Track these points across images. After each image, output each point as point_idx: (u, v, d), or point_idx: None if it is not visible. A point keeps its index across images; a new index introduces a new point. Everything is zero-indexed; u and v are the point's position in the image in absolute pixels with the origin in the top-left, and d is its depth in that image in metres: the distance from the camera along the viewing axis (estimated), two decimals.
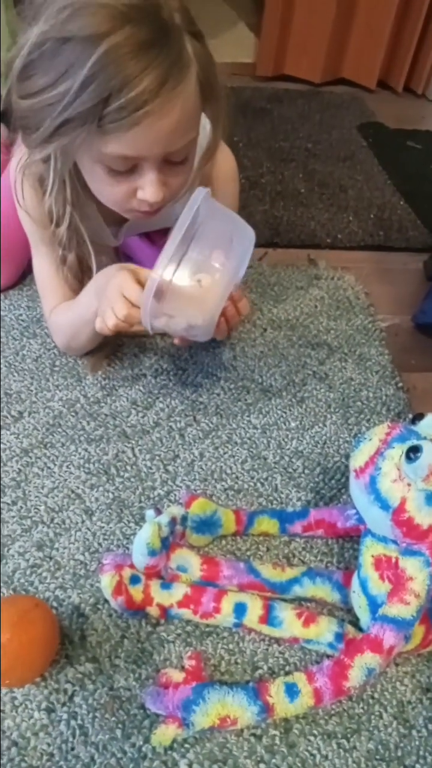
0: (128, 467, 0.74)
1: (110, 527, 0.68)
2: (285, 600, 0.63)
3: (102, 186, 0.66)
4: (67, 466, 0.73)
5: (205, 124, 0.69)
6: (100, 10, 0.54)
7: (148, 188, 0.63)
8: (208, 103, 0.64)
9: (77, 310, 0.76)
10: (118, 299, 0.66)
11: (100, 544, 0.66)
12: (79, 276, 0.78)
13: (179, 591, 0.60)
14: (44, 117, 0.58)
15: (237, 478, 0.74)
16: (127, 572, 0.60)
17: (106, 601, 0.61)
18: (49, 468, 0.73)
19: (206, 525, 0.66)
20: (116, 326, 0.67)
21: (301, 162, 1.37)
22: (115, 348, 0.87)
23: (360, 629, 0.61)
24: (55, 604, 0.61)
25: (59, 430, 0.77)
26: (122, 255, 0.88)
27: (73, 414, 0.79)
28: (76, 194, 0.70)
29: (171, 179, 0.65)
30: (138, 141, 0.59)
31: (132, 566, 0.61)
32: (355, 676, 0.55)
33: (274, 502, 0.73)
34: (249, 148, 1.38)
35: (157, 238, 0.90)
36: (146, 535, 0.59)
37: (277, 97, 1.62)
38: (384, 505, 0.56)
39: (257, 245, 1.10)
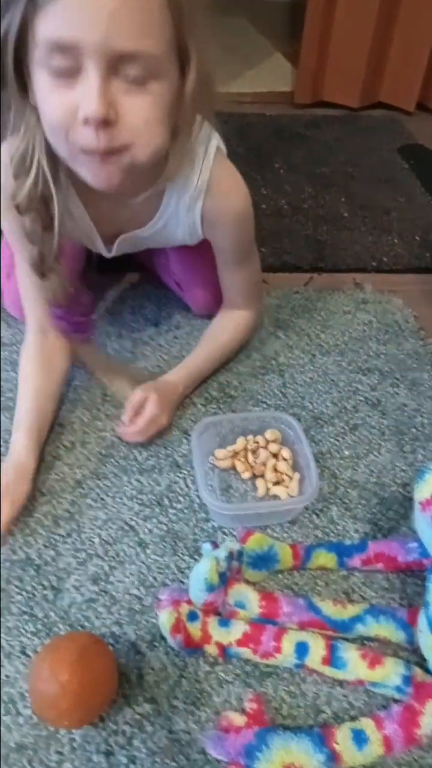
0: (181, 498, 0.73)
1: (164, 560, 0.67)
2: (347, 639, 0.60)
3: (45, 100, 0.57)
4: (120, 498, 0.73)
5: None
6: None
7: (87, 96, 0.54)
8: (182, 26, 0.57)
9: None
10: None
11: (155, 578, 0.65)
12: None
13: (238, 629, 0.59)
14: None
15: None
16: (184, 608, 0.58)
17: (162, 638, 0.60)
18: (102, 499, 0.73)
19: (263, 560, 0.64)
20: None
21: (342, 186, 1.36)
22: None
23: (428, 671, 0.58)
24: (111, 640, 0.60)
25: (111, 460, 0.77)
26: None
27: (124, 444, 0.79)
28: (54, 177, 0.65)
29: (123, 102, 0.56)
30: (71, 15, 0.52)
31: (189, 602, 0.60)
32: (427, 723, 0.52)
33: (331, 534, 0.71)
34: (289, 173, 1.38)
35: (157, 252, 0.92)
36: (204, 570, 0.57)
37: (314, 123, 1.62)
38: None
39: (302, 269, 1.11)
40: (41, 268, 0.70)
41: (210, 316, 0.92)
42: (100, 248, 0.81)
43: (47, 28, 0.53)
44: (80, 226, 0.75)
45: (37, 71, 0.56)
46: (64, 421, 0.81)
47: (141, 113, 0.57)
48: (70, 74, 0.54)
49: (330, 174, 1.40)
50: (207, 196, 0.73)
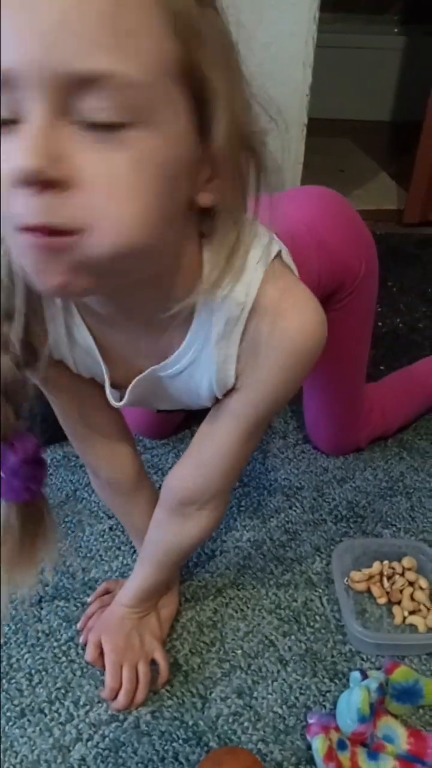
0: (317, 617, 0.76)
1: (305, 681, 0.70)
2: None
3: None
4: (259, 611, 0.77)
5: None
6: None
7: (21, 142, 0.34)
8: (192, 44, 0.37)
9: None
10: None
11: (296, 698, 0.68)
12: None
13: (387, 764, 0.60)
14: None
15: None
16: (334, 736, 0.61)
17: (308, 762, 0.62)
18: (242, 610, 0.77)
19: (407, 694, 0.65)
20: None
21: None
22: None
23: None
24: (258, 758, 0.63)
25: (249, 571, 0.82)
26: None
27: (261, 556, 0.84)
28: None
29: (83, 157, 0.35)
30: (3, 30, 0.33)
31: (337, 729, 0.62)
32: None
33: None
34: (402, 293, 1.46)
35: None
36: (357, 700, 0.60)
37: (426, 242, 1.72)
38: None
39: None
40: None
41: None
42: (107, 391, 0.59)
43: None
44: (80, 356, 0.57)
45: None
46: None
47: (109, 178, 0.36)
48: (11, 122, 0.35)
49: None
50: (252, 316, 0.50)
